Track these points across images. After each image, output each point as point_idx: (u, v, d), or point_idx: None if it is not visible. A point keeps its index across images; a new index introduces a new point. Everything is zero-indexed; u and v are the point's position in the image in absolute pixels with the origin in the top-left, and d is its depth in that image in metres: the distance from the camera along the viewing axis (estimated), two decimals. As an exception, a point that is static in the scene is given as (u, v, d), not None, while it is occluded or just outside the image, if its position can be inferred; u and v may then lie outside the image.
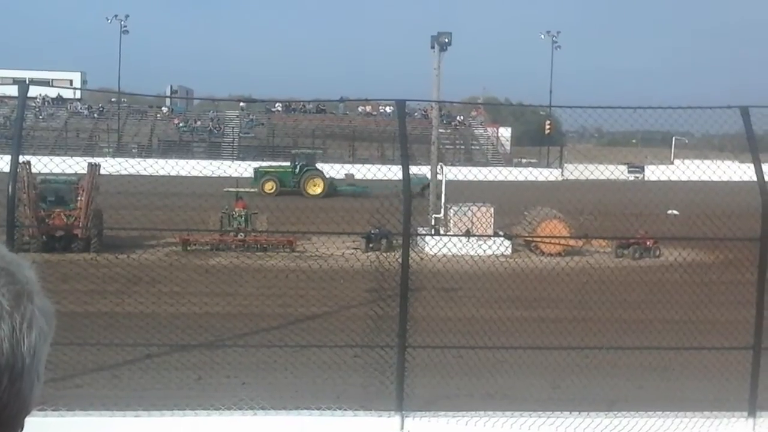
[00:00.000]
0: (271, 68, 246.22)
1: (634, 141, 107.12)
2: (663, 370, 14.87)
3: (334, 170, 59.36)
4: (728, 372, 11.18)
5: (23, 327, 1.59)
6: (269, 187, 59.70)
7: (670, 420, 9.65)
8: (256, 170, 62.17)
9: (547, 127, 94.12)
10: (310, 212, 22.55)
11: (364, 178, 58.60)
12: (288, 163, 64.88)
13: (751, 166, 9.97)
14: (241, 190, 37.59)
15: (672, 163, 69.25)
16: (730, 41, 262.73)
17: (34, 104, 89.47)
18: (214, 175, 59.20)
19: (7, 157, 9.57)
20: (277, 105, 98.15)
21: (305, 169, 62.47)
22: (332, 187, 59.28)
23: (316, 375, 15.00)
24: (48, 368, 1.67)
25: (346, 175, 58.08)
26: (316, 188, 60.43)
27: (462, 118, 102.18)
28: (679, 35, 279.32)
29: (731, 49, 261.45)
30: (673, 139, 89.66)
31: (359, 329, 15.68)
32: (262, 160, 73.28)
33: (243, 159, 77.05)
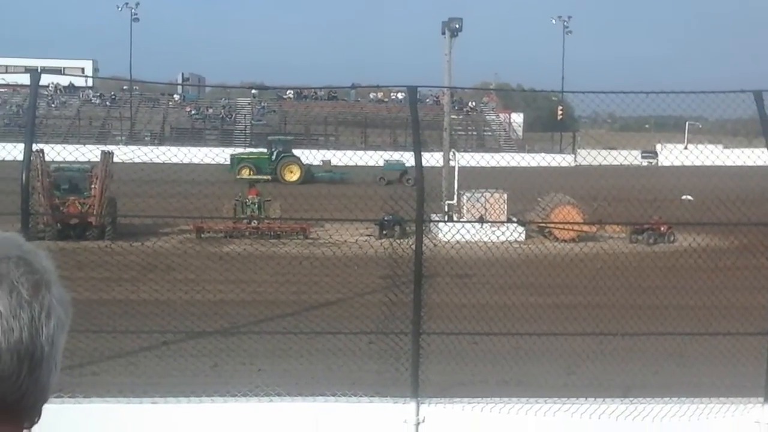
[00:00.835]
0: (282, 56, 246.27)
1: (647, 126, 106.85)
2: (678, 355, 14.84)
3: (339, 157, 59.23)
4: (744, 357, 11.15)
5: (42, 316, 1.60)
6: (245, 173, 59.58)
7: (686, 406, 9.63)
8: (233, 157, 62.04)
9: (560, 112, 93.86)
10: (323, 199, 22.54)
11: (343, 165, 58.53)
12: (265, 150, 64.82)
13: (765, 150, 9.90)
14: (254, 178, 37.63)
15: (686, 147, 68.95)
16: (744, 26, 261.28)
17: (46, 93, 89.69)
18: (226, 163, 59.48)
19: (21, 146, 9.58)
20: (288, 92, 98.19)
21: (282, 155, 62.23)
22: (309, 174, 59.06)
23: (331, 361, 15.03)
24: (65, 356, 1.67)
25: (323, 161, 57.92)
26: (293, 175, 60.22)
27: (474, 104, 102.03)
28: (691, 20, 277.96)
29: (745, 34, 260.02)
30: (687, 123, 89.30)
31: (373, 316, 15.69)
32: (245, 147, 74.00)
33: (255, 146, 77.12)
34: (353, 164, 58.24)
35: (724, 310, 14.98)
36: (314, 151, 68.18)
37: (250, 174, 59.00)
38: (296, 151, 64.77)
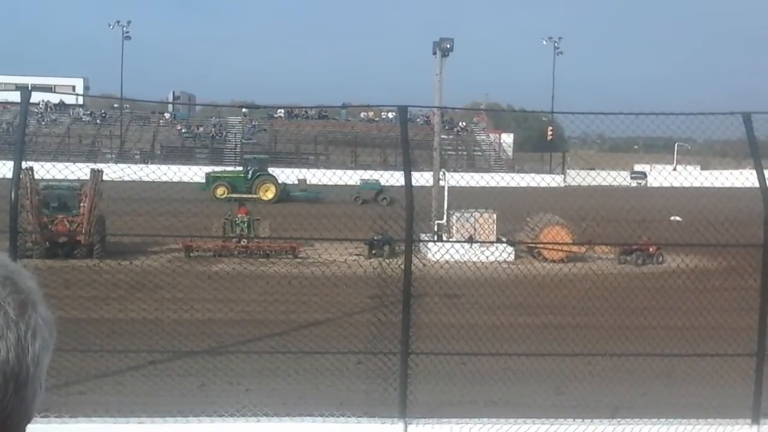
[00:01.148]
0: (273, 74, 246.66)
1: (636, 147, 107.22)
2: (666, 376, 14.85)
3: (319, 176, 59.07)
4: (732, 378, 11.17)
5: (28, 336, 1.60)
6: (221, 192, 59.06)
7: (673, 427, 9.64)
8: (208, 175, 61.73)
9: (549, 133, 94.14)
10: (312, 218, 22.56)
11: (318, 184, 58.43)
12: (240, 168, 64.57)
13: (754, 172, 9.95)
14: (244, 196, 37.63)
15: (675, 169, 69.21)
16: (732, 48, 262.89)
17: (36, 110, 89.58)
18: (282, 182, 59.73)
19: (10, 163, 9.56)
20: (279, 111, 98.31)
21: (257, 174, 61.92)
22: (285, 193, 58.88)
23: (319, 381, 14.99)
24: (51, 374, 1.67)
25: (299, 180, 57.81)
26: (268, 193, 59.80)
27: (464, 124, 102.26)
28: (681, 42, 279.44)
29: (733, 55, 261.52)
30: (676, 145, 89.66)
31: (362, 336, 15.67)
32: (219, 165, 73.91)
33: (246, 165, 77.15)
34: (325, 182, 58.32)
35: (712, 331, 15.00)
36: (294, 170, 67.75)
37: (225, 193, 58.88)
38: (286, 170, 64.74)
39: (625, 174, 76.81)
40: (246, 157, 68.84)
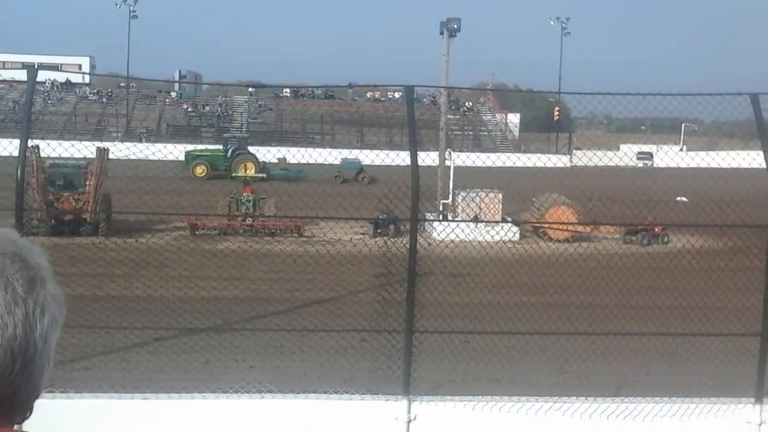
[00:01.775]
0: (279, 54, 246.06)
1: (643, 128, 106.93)
2: (670, 356, 14.88)
3: (303, 155, 57.82)
4: (735, 358, 11.19)
5: (36, 312, 1.61)
6: (200, 170, 58.67)
7: (677, 406, 9.66)
8: (188, 153, 60.84)
9: (556, 113, 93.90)
10: (318, 197, 22.59)
11: (299, 162, 57.77)
12: (220, 146, 64.01)
13: (761, 153, 9.94)
14: (249, 175, 37.63)
15: (681, 149, 69.03)
16: (741, 29, 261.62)
17: (42, 89, 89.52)
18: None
19: (16, 142, 9.58)
20: (285, 90, 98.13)
21: (237, 152, 61.38)
22: (265, 171, 58.47)
23: (323, 359, 15.05)
24: (57, 351, 1.69)
25: (279, 159, 57.46)
26: (247, 172, 59.34)
27: (470, 104, 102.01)
28: (689, 22, 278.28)
29: (741, 36, 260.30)
30: (683, 125, 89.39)
31: (366, 314, 15.71)
32: (269, 145, 72.63)
33: (251, 144, 77.04)
34: (305, 161, 57.36)
35: (716, 311, 15.02)
36: (300, 149, 66.89)
37: (204, 172, 58.33)
38: (292, 150, 64.39)
39: (632, 154, 76.63)
40: (225, 135, 68.20)
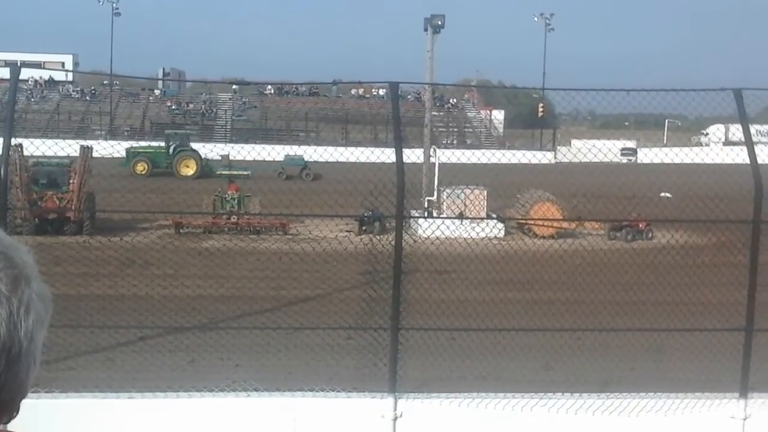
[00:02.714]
0: (263, 51, 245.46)
1: (627, 124, 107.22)
2: (655, 351, 14.93)
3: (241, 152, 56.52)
4: (720, 353, 11.23)
5: (21, 311, 1.59)
6: (140, 168, 57.86)
7: (662, 401, 9.70)
8: (128, 150, 59.67)
9: (540, 109, 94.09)
10: (303, 195, 22.57)
11: (243, 159, 57.01)
12: (162, 144, 63.03)
13: (744, 148, 9.99)
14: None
15: (665, 145, 69.28)
16: (725, 25, 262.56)
17: (25, 87, 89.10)
18: (206, 158, 58.89)
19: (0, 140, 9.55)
20: (269, 88, 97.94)
21: (179, 149, 60.66)
22: (208, 168, 57.01)
23: (309, 357, 15.03)
24: (41, 350, 1.68)
25: (222, 156, 56.97)
26: (188, 169, 58.55)
27: (455, 100, 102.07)
28: (673, 18, 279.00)
29: (725, 32, 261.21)
30: (666, 121, 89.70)
31: (352, 311, 15.72)
32: (255, 142, 71.80)
33: (236, 142, 76.82)
34: (249, 158, 56.69)
35: (700, 306, 15.07)
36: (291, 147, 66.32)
37: (145, 169, 57.58)
38: (278, 147, 63.98)
39: (616, 150, 76.86)
40: (167, 132, 67.27)
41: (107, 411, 9.07)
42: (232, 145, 62.89)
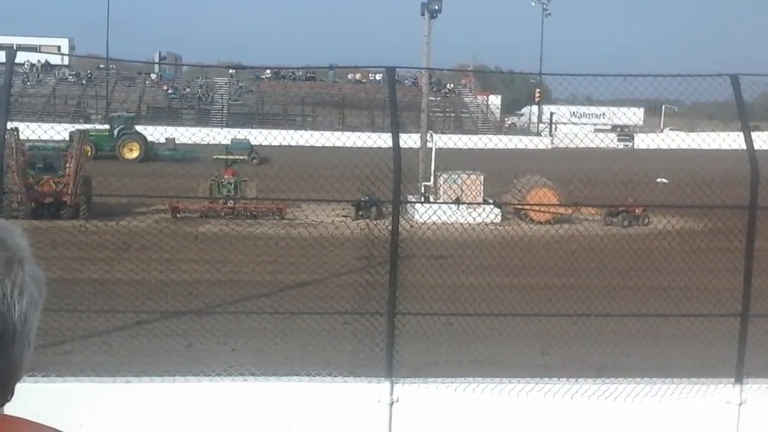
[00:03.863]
0: (260, 35, 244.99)
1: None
2: (651, 336, 14.95)
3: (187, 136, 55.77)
4: (716, 339, 11.25)
5: (14, 293, 1.59)
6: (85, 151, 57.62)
7: (657, 386, 9.72)
8: (72, 134, 59.42)
9: (537, 95, 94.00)
10: (300, 179, 22.55)
11: (189, 143, 56.60)
12: (106, 126, 62.28)
13: (740, 134, 9.98)
14: (231, 157, 37.49)
15: (662, 131, 69.24)
16: (723, 10, 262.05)
17: (21, 70, 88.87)
18: (203, 143, 58.75)
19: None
20: (266, 72, 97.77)
21: (123, 132, 59.70)
22: (152, 152, 56.85)
23: (306, 341, 15.05)
24: (38, 335, 1.67)
25: (167, 139, 56.29)
26: (132, 153, 57.92)
27: (452, 85, 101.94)
28: (671, 3, 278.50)
29: (722, 17, 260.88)
30: (663, 107, 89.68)
31: (349, 296, 15.73)
32: (250, 127, 71.37)
33: (232, 126, 76.71)
34: (193, 141, 55.96)
35: (696, 291, 15.09)
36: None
37: (88, 152, 56.95)
38: (274, 132, 63.66)
39: (613, 136, 76.85)
40: (111, 115, 66.47)
41: (104, 395, 9.07)
42: (228, 129, 62.45)
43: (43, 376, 8.94)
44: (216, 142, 53.62)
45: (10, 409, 1.67)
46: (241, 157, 40.93)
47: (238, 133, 59.47)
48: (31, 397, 7.84)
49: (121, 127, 60.40)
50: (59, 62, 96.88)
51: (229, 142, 57.04)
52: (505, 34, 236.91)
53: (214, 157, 37.40)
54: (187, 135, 54.47)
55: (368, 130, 73.32)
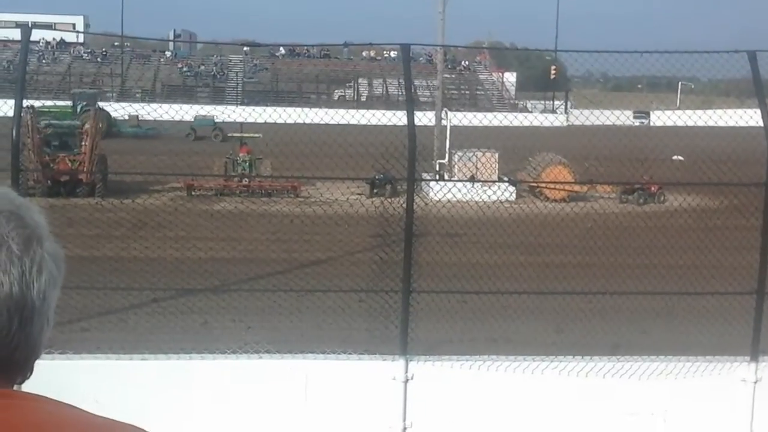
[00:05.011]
0: (274, 11, 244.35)
1: (639, 86, 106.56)
2: (666, 314, 14.94)
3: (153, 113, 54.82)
4: (731, 316, 11.23)
5: (33, 271, 1.60)
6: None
7: (672, 364, 9.71)
8: (34, 109, 58.27)
9: (553, 71, 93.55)
10: (314, 157, 22.54)
11: (152, 119, 56.09)
12: (69, 103, 61.01)
13: (757, 110, 9.92)
14: (246, 135, 37.48)
15: (678, 108, 68.87)
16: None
17: (36, 48, 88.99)
18: (218, 120, 58.70)
19: (11, 102, 9.54)
20: (281, 49, 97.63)
21: (85, 109, 56.96)
22: (115, 128, 55.68)
23: (321, 319, 15.09)
24: (55, 312, 1.68)
25: (130, 116, 55.63)
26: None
27: (467, 63, 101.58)
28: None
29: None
30: (679, 84, 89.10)
31: (364, 274, 15.74)
32: (267, 104, 70.94)
33: (247, 104, 76.64)
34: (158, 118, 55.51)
35: (712, 269, 15.04)
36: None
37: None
38: (288, 109, 63.31)
39: (629, 113, 76.45)
40: (74, 91, 65.85)
41: (121, 372, 9.13)
42: (243, 107, 61.93)
43: (60, 353, 9.00)
44: (179, 119, 53.25)
45: (27, 386, 1.68)
46: (256, 135, 40.89)
47: (243, 110, 59.18)
48: (48, 374, 7.90)
49: (84, 103, 59.45)
50: (74, 40, 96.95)
51: (193, 119, 56.33)
52: (521, 9, 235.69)
53: (229, 135, 37.39)
54: (151, 111, 54.24)
55: (383, 107, 73.36)
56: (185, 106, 57.26)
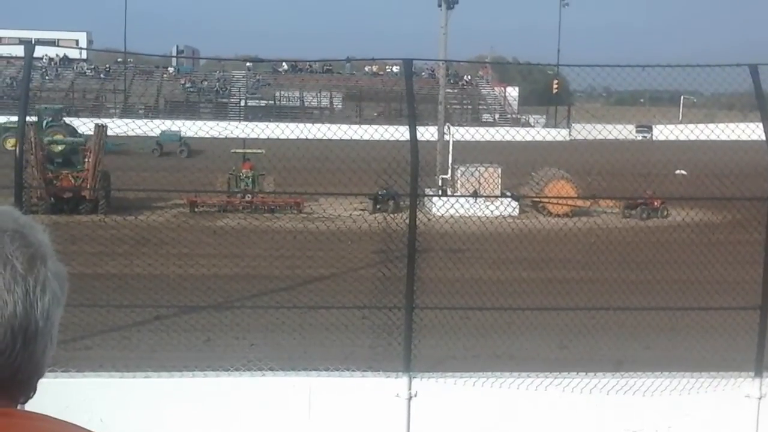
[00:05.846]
0: (277, 27, 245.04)
1: (641, 100, 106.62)
2: (670, 330, 14.90)
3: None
4: (735, 332, 11.20)
5: (36, 290, 1.60)
6: (11, 143, 56.39)
7: (676, 380, 9.68)
8: None
9: (555, 86, 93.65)
10: (317, 173, 22.56)
11: (118, 135, 55.80)
12: (35, 118, 61.63)
13: (760, 124, 9.91)
14: (249, 151, 37.49)
15: (680, 122, 68.83)
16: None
17: (40, 65, 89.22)
18: (220, 136, 58.59)
19: (14, 119, 9.56)
20: (283, 65, 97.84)
21: (50, 124, 55.09)
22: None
23: (324, 336, 15.05)
24: (58, 330, 1.68)
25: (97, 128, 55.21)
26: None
27: (469, 77, 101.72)
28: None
29: (743, 5, 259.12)
30: (682, 98, 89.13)
31: (367, 290, 15.73)
32: (269, 120, 71.00)
33: (250, 120, 76.68)
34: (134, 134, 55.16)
35: (716, 284, 15.01)
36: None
37: (14, 145, 55.58)
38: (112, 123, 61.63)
39: (631, 127, 76.42)
40: (38, 107, 65.96)
41: (123, 390, 9.11)
42: (246, 123, 61.93)
43: (63, 371, 8.98)
44: (144, 134, 52.81)
45: (31, 405, 1.67)
46: (259, 151, 40.94)
47: (246, 126, 59.22)
48: (51, 393, 7.87)
49: (50, 119, 59.29)
50: (77, 56, 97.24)
51: (158, 134, 56.02)
52: (523, 24, 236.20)
53: (232, 151, 37.39)
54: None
55: (385, 122, 73.44)
56: (178, 122, 57.84)
